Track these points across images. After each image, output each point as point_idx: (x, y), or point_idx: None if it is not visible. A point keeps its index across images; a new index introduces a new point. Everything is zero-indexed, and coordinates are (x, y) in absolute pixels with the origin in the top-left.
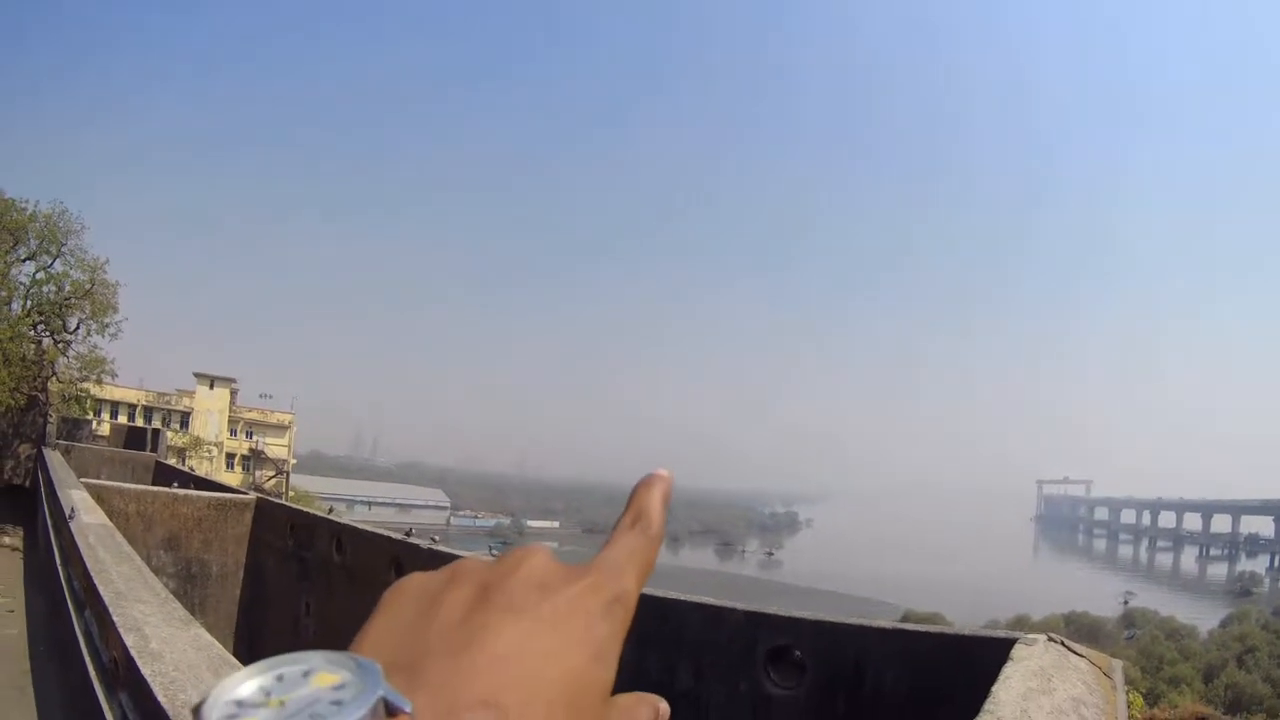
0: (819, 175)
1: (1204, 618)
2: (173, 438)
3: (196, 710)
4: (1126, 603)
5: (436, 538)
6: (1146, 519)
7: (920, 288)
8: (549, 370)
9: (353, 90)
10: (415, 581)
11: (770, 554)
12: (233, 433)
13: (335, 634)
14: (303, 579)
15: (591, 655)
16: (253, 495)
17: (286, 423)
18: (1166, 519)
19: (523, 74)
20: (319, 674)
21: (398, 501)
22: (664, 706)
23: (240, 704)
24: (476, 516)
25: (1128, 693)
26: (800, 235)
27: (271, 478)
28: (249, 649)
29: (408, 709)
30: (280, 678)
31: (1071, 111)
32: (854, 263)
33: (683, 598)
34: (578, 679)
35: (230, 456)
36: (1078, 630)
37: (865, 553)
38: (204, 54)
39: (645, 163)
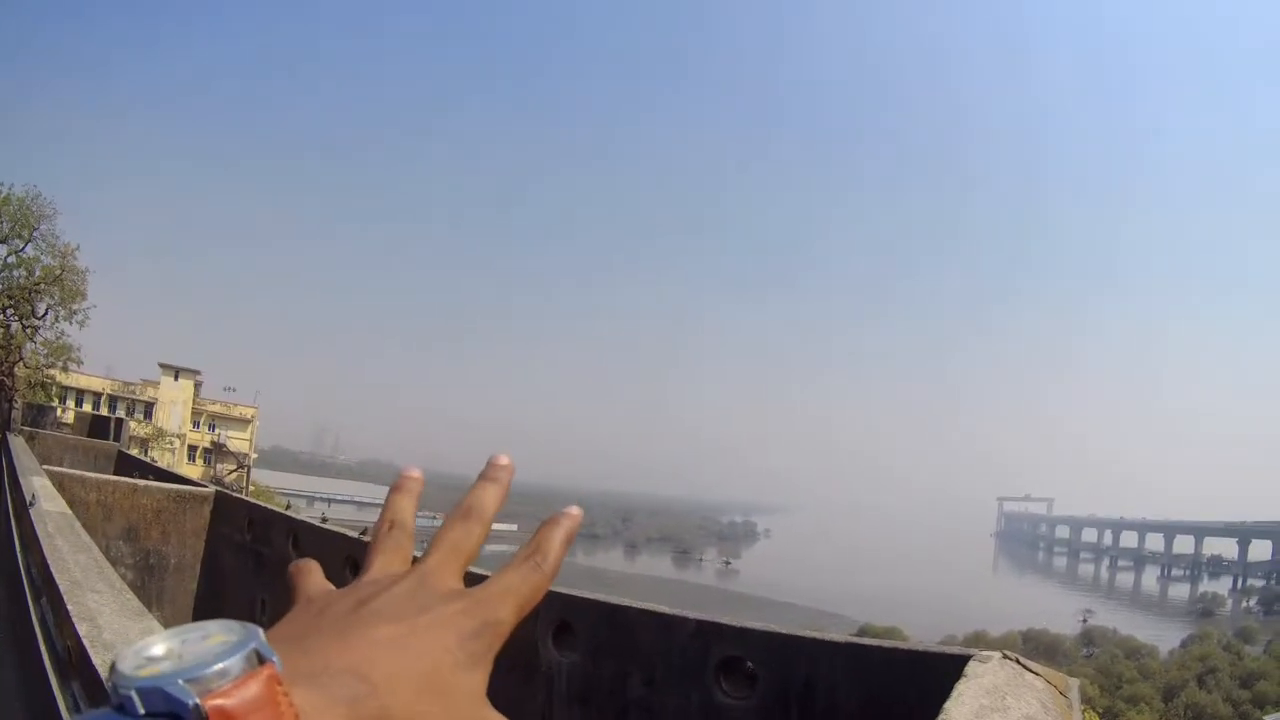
0: (819, 189)
1: (1165, 638)
2: (136, 428)
3: (113, 663)
4: (1085, 621)
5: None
6: (1108, 538)
7: (886, 305)
8: (517, 374)
9: (333, 90)
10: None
11: (728, 563)
12: (195, 425)
13: None
14: (259, 574)
15: (458, 663)
16: (211, 488)
17: (249, 416)
18: (1129, 539)
19: (528, 78)
20: (214, 636)
21: (357, 500)
22: None
23: (149, 658)
24: (435, 517)
25: (1084, 712)
26: (772, 248)
27: (232, 471)
28: None
29: (274, 659)
30: (184, 640)
31: (1064, 126)
32: (818, 276)
33: (635, 605)
34: (446, 676)
35: (192, 449)
36: (1036, 647)
37: (824, 565)
38: (184, 47)
39: (634, 173)
